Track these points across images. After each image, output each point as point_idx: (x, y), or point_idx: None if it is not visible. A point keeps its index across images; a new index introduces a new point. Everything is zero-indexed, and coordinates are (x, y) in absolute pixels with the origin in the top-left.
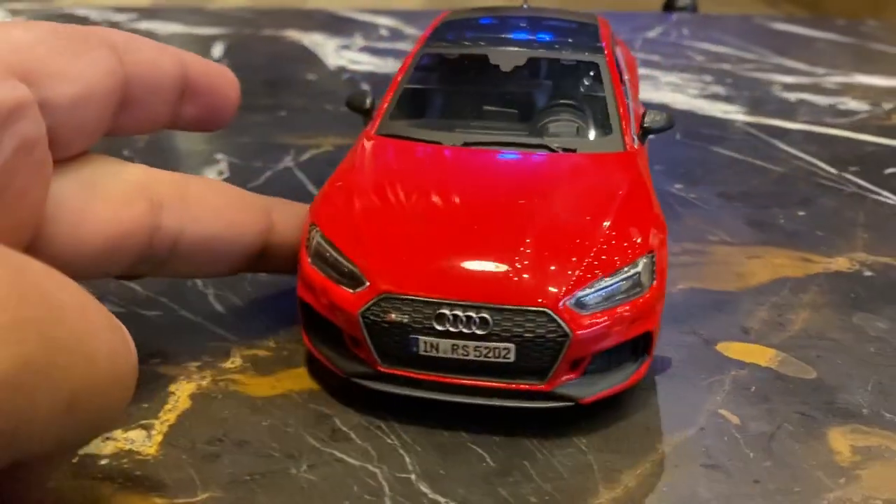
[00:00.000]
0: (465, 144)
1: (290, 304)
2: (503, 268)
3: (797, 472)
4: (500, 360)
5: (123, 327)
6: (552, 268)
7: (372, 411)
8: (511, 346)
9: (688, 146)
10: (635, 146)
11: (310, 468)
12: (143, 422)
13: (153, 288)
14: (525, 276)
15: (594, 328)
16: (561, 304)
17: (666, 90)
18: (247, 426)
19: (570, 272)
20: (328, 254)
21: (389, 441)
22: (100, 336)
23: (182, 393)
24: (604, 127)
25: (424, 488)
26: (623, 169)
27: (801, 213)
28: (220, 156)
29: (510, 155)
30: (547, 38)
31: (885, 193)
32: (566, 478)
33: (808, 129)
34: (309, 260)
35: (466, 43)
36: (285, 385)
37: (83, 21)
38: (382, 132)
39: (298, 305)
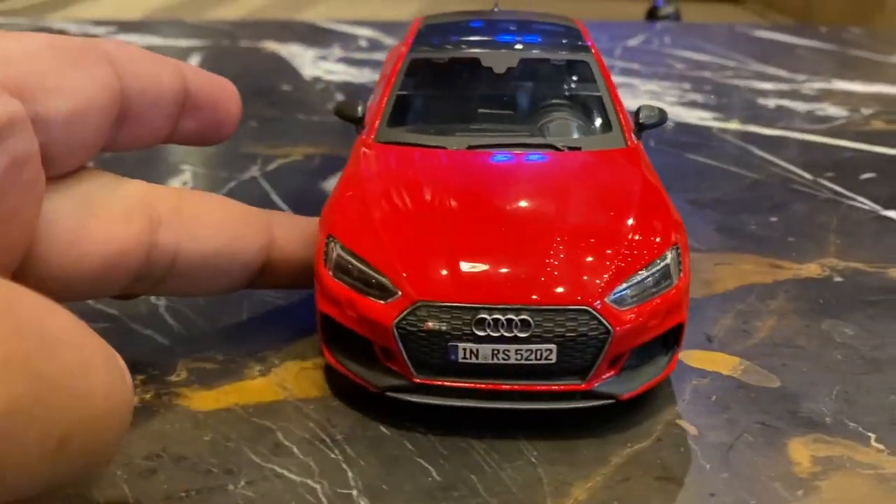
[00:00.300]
0: (470, 148)
1: (241, 316)
2: (539, 268)
3: (754, 484)
4: (542, 361)
5: (121, 361)
6: (588, 265)
7: (318, 425)
8: (553, 346)
9: (662, 153)
10: (635, 142)
11: (248, 484)
12: None
13: (103, 300)
14: (562, 275)
15: (633, 323)
16: (601, 301)
17: (644, 98)
18: (187, 441)
19: (605, 269)
20: (351, 265)
21: (333, 455)
22: (95, 372)
23: None
24: (604, 124)
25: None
26: (631, 164)
27: (773, 219)
28: (185, 166)
29: (519, 156)
30: (533, 39)
31: (860, 199)
32: (514, 492)
33: (784, 136)
34: (330, 273)
35: (453, 47)
36: (230, 399)
37: (61, 34)
38: (381, 140)
39: (319, 320)
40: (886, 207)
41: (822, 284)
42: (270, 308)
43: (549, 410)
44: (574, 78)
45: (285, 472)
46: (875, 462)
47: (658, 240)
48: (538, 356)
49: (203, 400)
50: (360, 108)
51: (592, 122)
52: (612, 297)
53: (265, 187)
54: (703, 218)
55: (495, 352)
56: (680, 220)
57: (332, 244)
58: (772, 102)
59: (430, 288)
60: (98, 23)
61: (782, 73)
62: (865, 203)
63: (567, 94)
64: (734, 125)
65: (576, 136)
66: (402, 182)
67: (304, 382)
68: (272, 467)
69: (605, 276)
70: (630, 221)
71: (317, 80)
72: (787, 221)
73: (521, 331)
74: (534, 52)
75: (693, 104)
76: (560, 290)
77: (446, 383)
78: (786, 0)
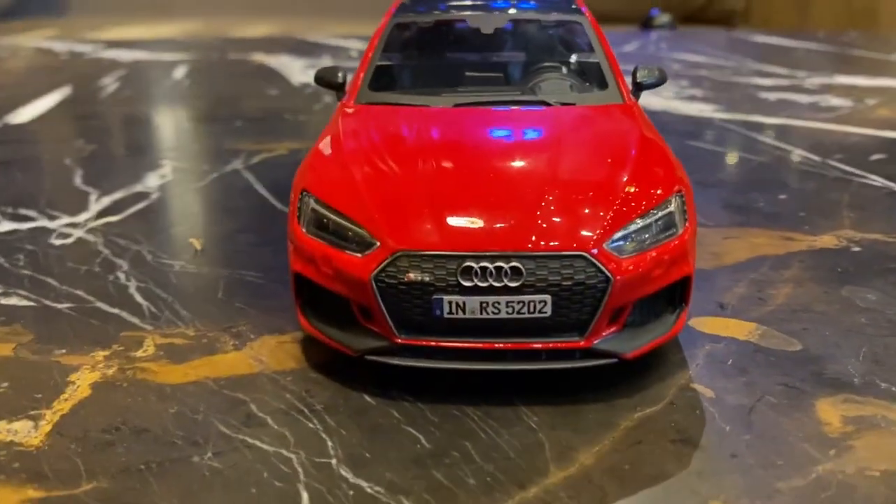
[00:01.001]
0: (457, 106)
1: (216, 294)
2: (531, 215)
3: (780, 445)
4: (536, 315)
5: None
6: (584, 212)
7: (295, 396)
8: (547, 297)
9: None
10: (633, 100)
11: (215, 455)
12: (33, 412)
13: (69, 282)
14: (557, 221)
15: (635, 271)
16: (598, 247)
17: (642, 94)
18: (150, 414)
19: (603, 215)
20: (327, 219)
21: (311, 425)
22: None
23: (83, 382)
24: (599, 82)
25: (345, 472)
26: (629, 118)
27: (782, 197)
28: (165, 161)
29: (509, 110)
30: (524, 3)
31: (873, 177)
32: (512, 457)
33: (788, 124)
34: (303, 229)
35: (439, 11)
36: (200, 372)
37: (48, 53)
38: (363, 101)
39: (292, 282)
40: None
41: (839, 254)
42: (247, 286)
43: (547, 372)
44: (567, 39)
45: (257, 443)
46: None
47: (659, 188)
48: (532, 309)
49: (171, 374)
50: (340, 74)
51: (587, 80)
52: (610, 243)
53: (248, 178)
54: (709, 196)
55: (484, 305)
56: (684, 172)
57: (307, 199)
58: (773, 96)
59: (410, 236)
60: (86, 41)
61: (782, 70)
62: (877, 181)
63: (560, 55)
64: (736, 115)
65: (570, 94)
66: (382, 137)
67: (280, 355)
68: (243, 438)
69: (604, 222)
70: (628, 169)
71: (305, 85)
72: (798, 198)
73: (511, 280)
74: (524, 13)
75: (692, 98)
76: (554, 235)
77: (432, 343)
78: (780, 19)
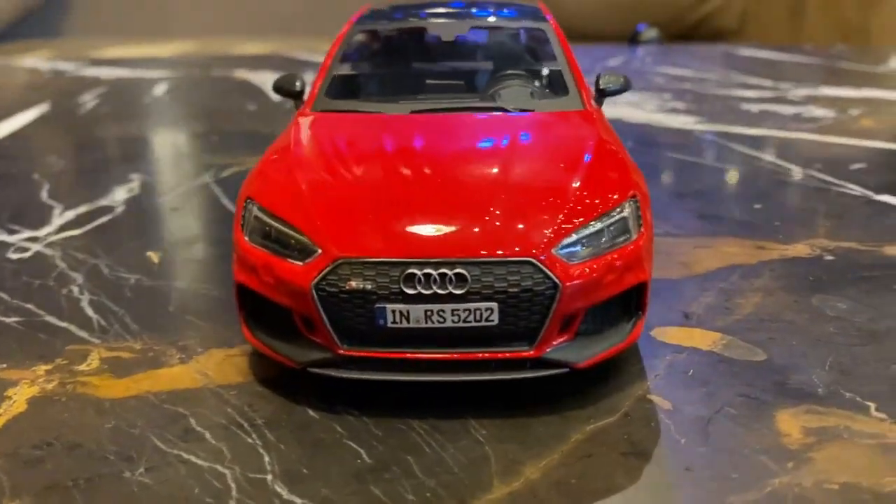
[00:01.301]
0: (413, 113)
1: (168, 308)
2: (477, 220)
3: (737, 458)
4: (483, 323)
5: None
6: (533, 218)
7: (237, 411)
8: (494, 305)
9: (642, 152)
10: (594, 106)
11: (147, 471)
12: None
13: (21, 296)
14: (504, 227)
15: (585, 277)
16: (546, 252)
17: (624, 108)
18: (86, 429)
19: (551, 220)
20: (269, 227)
21: (250, 440)
22: None
23: (20, 397)
24: (560, 89)
25: (280, 489)
26: (588, 123)
27: (757, 206)
28: (134, 175)
29: (463, 116)
30: (485, 11)
31: (851, 186)
32: (456, 472)
33: (770, 135)
34: (246, 238)
35: (399, 20)
36: (142, 386)
37: (31, 71)
38: (319, 109)
39: (235, 292)
40: (878, 192)
41: (811, 263)
42: (201, 299)
43: (498, 384)
44: (530, 47)
45: (192, 458)
46: (878, 431)
47: (614, 193)
48: (478, 317)
49: (112, 388)
50: (298, 83)
51: (547, 87)
52: (559, 249)
53: (216, 192)
54: (683, 207)
55: (429, 313)
56: (641, 178)
57: (250, 206)
58: (755, 107)
59: (352, 243)
60: (67, 59)
61: (766, 82)
62: (856, 189)
63: (522, 62)
64: (718, 127)
65: (529, 100)
66: (332, 144)
67: (227, 369)
68: (178, 453)
69: (552, 227)
70: (581, 174)
71: (285, 101)
72: (773, 208)
73: (456, 287)
74: (486, 20)
75: (675, 111)
76: (500, 241)
77: (376, 354)
78: (773, 37)
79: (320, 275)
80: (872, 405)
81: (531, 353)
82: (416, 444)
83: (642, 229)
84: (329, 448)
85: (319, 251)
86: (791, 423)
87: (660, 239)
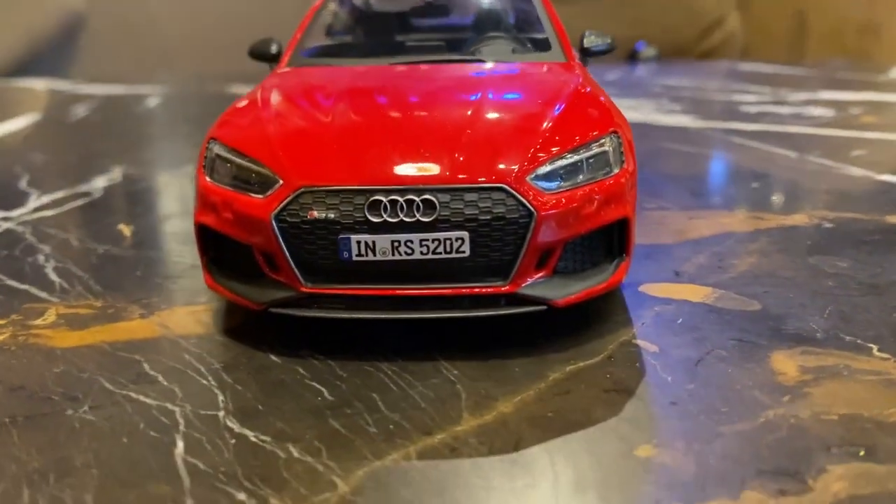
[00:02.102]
0: (391, 65)
1: (137, 271)
2: (449, 148)
3: (727, 392)
4: (453, 255)
5: None
6: (506, 144)
7: (195, 357)
8: (464, 234)
9: (638, 141)
10: (577, 60)
11: (91, 409)
12: None
13: None
14: (476, 154)
15: (560, 207)
16: (521, 180)
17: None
18: (31, 374)
19: (527, 147)
20: (230, 164)
21: (204, 382)
22: None
23: None
24: (542, 45)
25: (231, 423)
26: (569, 71)
27: (754, 185)
28: (116, 167)
29: (440, 65)
30: None
31: (852, 168)
32: (423, 407)
33: (768, 129)
34: (207, 178)
35: None
36: (98, 337)
37: (26, 91)
38: (294, 65)
39: (196, 236)
40: (881, 173)
41: (810, 230)
42: (170, 265)
43: (472, 325)
44: (514, 9)
45: (141, 398)
46: (880, 369)
47: (594, 129)
48: (448, 248)
49: (66, 339)
50: (274, 46)
51: (530, 43)
52: (534, 177)
53: None
54: (677, 186)
55: (396, 244)
56: (624, 120)
57: (212, 146)
58: (754, 109)
59: (314, 172)
60: (65, 78)
61: (765, 89)
62: (857, 171)
63: (504, 25)
64: (715, 124)
65: (510, 55)
66: (302, 88)
67: (188, 322)
68: (127, 393)
69: (527, 155)
70: (560, 107)
71: None
72: (771, 186)
73: (424, 215)
74: None
75: (672, 111)
76: (471, 167)
77: (340, 291)
78: (774, 57)
79: (281, 205)
80: (874, 346)
81: (506, 288)
82: (383, 383)
83: (625, 166)
84: (288, 388)
85: (280, 182)
86: (787, 363)
87: (651, 212)
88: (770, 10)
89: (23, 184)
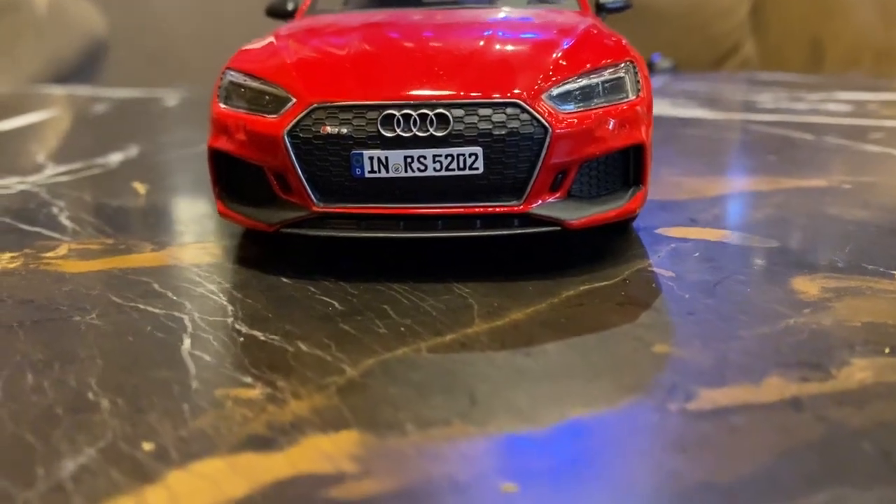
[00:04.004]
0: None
1: (150, 218)
2: (463, 66)
3: (746, 305)
4: (467, 171)
5: None
6: (522, 64)
7: (205, 279)
8: (478, 150)
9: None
10: (591, 11)
11: (99, 316)
12: None
13: None
14: (490, 72)
15: (576, 127)
16: (536, 96)
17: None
18: (41, 291)
19: (542, 67)
20: (244, 88)
21: (214, 298)
22: None
23: None
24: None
25: (239, 326)
26: (582, 15)
27: (770, 158)
28: (132, 144)
29: (456, 6)
30: None
31: (870, 146)
32: (434, 315)
33: (785, 119)
34: (221, 105)
35: None
36: (109, 265)
37: (44, 96)
38: (310, 14)
39: (209, 163)
40: None
41: (829, 191)
42: (185, 211)
43: (484, 247)
44: None
45: (149, 308)
46: None
47: (608, 57)
48: (462, 164)
49: (76, 266)
50: (290, 4)
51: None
52: (549, 96)
53: None
54: (693, 159)
55: (409, 160)
56: (638, 54)
57: (227, 74)
58: (770, 105)
59: (328, 89)
60: (83, 84)
61: (782, 92)
62: (876, 148)
63: None
64: (730, 115)
65: (525, 4)
66: (317, 26)
67: (199, 254)
68: (135, 305)
69: (542, 74)
70: (574, 36)
71: None
72: (788, 159)
73: (437, 129)
74: None
75: (686, 106)
76: (486, 83)
77: (353, 209)
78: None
79: (294, 121)
80: None
81: (520, 207)
82: (394, 298)
83: (641, 94)
84: (299, 301)
85: (294, 100)
86: (808, 284)
87: (665, 177)
88: (786, 38)
89: (40, 158)
